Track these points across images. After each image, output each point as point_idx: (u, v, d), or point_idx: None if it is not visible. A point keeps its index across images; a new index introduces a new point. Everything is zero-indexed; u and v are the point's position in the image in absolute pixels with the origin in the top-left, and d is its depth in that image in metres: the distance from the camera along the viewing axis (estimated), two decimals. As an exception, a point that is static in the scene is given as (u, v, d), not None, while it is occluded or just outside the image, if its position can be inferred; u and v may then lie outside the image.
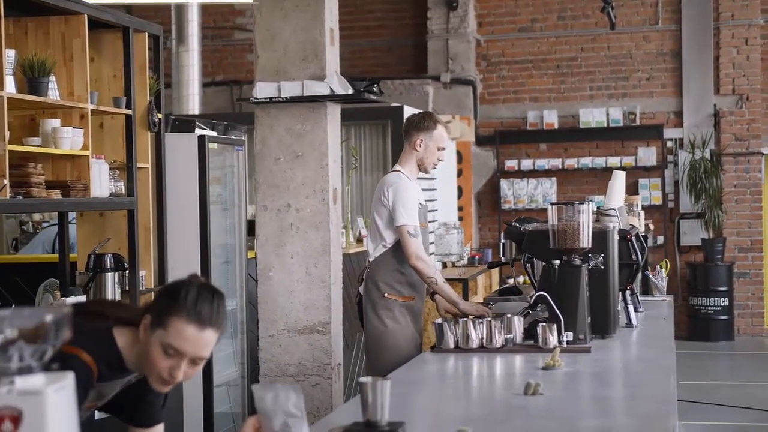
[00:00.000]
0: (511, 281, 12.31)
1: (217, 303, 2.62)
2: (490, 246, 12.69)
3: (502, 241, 5.08)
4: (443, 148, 5.29)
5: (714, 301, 12.21)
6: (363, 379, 2.69)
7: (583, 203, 4.35)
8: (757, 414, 8.35)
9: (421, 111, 5.54)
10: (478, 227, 13.07)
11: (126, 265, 5.48)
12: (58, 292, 5.34)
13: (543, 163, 12.82)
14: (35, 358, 1.71)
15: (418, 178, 5.37)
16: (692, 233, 12.56)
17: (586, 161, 12.72)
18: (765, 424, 8.05)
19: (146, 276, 5.80)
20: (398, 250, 5.14)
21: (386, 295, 5.16)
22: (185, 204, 6.18)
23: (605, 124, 12.68)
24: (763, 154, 12.56)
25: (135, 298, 5.53)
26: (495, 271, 11.10)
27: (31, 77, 4.71)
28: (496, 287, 10.91)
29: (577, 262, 4.34)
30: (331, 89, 5.71)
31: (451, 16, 12.91)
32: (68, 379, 1.72)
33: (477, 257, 11.00)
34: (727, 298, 12.23)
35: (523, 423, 2.93)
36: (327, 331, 5.70)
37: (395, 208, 5.09)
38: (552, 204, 4.37)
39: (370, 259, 5.27)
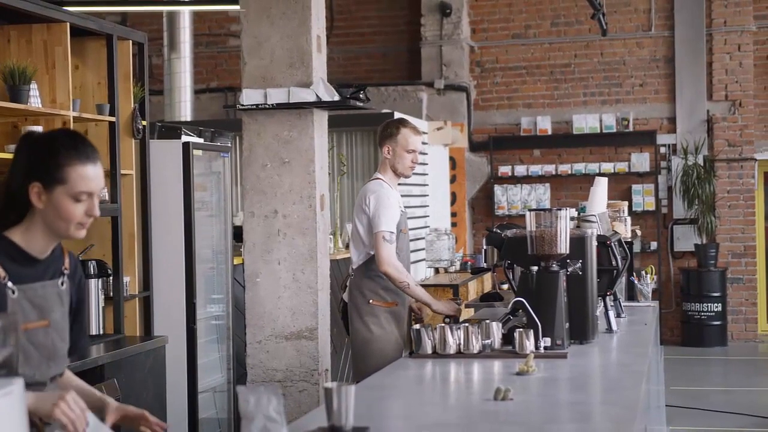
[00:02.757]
0: (505, 287, 12.34)
1: (87, 139, 2.77)
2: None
3: (484, 247, 5.11)
4: (413, 151, 5.35)
5: (707, 306, 12.21)
6: (327, 384, 2.71)
7: (561, 209, 4.37)
8: (749, 419, 8.35)
9: (389, 119, 5.63)
10: (471, 233, 13.08)
11: (110, 272, 5.50)
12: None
13: (537, 169, 12.83)
14: (-18, 364, 1.73)
15: (399, 184, 5.42)
16: (685, 239, 12.57)
17: (580, 167, 12.73)
18: (757, 430, 8.06)
19: (130, 282, 5.81)
20: None
21: (371, 301, 5.22)
22: (170, 210, 6.20)
23: (599, 130, 12.70)
24: (755, 160, 12.58)
25: (119, 305, 5.54)
26: (487, 277, 11.11)
27: (12, 85, 4.74)
28: (488, 293, 10.91)
29: (555, 268, 4.35)
30: (317, 96, 5.73)
31: (445, 23, 12.94)
32: (16, 385, 1.74)
33: (470, 263, 11.01)
34: (720, 304, 12.24)
35: (489, 428, 2.94)
36: (314, 336, 5.72)
37: (375, 214, 5.18)
38: (530, 210, 4.39)
39: (354, 266, 5.35)
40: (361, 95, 6.03)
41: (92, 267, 5.34)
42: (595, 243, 4.64)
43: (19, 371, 2.49)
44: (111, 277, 5.53)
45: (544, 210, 4.39)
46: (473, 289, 10.03)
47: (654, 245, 12.51)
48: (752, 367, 11.32)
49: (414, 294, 5.19)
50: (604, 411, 3.14)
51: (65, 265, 2.83)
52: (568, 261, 4.43)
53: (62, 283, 2.80)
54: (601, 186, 5.40)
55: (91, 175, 2.67)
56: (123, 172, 5.72)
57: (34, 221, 2.70)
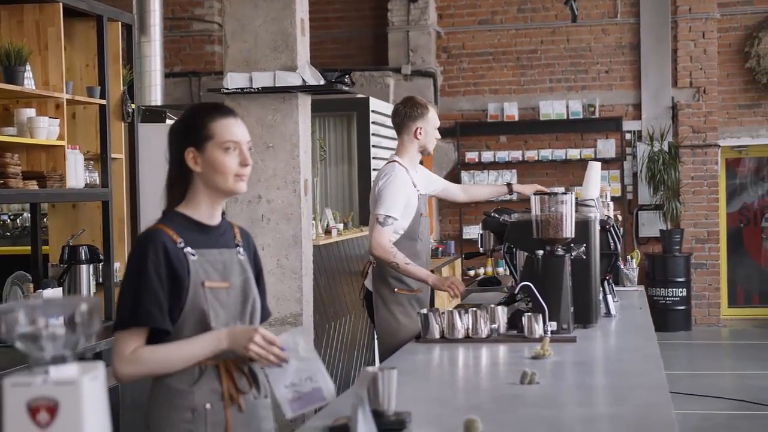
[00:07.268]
0: (471, 273, 12.37)
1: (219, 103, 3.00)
2: (451, 238, 12.73)
3: (480, 231, 5.08)
4: (437, 127, 5.37)
5: (672, 291, 12.34)
6: (370, 368, 2.68)
7: (566, 193, 4.37)
8: (715, 402, 8.47)
9: (403, 99, 5.49)
10: (438, 219, 13.10)
11: (101, 257, 5.41)
12: (31, 285, 5.25)
13: (503, 155, 12.87)
14: (69, 348, 1.68)
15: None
16: (651, 224, 12.69)
17: (546, 153, 12.79)
18: (722, 412, 8.17)
19: (120, 268, 5.72)
20: (404, 242, 5.08)
21: (396, 290, 5.11)
22: (158, 195, 6.09)
23: (565, 117, 12.75)
24: (719, 146, 12.72)
25: (110, 291, 5.45)
26: (458, 263, 11.14)
27: (7, 66, 4.63)
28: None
29: (560, 252, 4.35)
30: (303, 80, 5.68)
31: (412, 8, 12.91)
32: (100, 369, 1.70)
33: (440, 249, 11.03)
34: (684, 289, 12.38)
35: (526, 411, 2.93)
36: (299, 322, 5.70)
37: (377, 195, 5.06)
38: (535, 194, 4.37)
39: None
40: (346, 80, 6.00)
41: (83, 252, 5.24)
42: (598, 227, 4.65)
43: (212, 326, 2.76)
44: (102, 263, 5.43)
45: (550, 194, 4.38)
46: (445, 275, 10.03)
47: (620, 231, 12.59)
48: (716, 351, 11.47)
49: (408, 273, 5.01)
50: (636, 394, 3.13)
51: (237, 239, 2.95)
52: (572, 245, 4.43)
53: (239, 253, 2.92)
54: (595, 170, 5.41)
55: (233, 126, 2.85)
56: (113, 156, 5.62)
57: (196, 190, 2.87)
